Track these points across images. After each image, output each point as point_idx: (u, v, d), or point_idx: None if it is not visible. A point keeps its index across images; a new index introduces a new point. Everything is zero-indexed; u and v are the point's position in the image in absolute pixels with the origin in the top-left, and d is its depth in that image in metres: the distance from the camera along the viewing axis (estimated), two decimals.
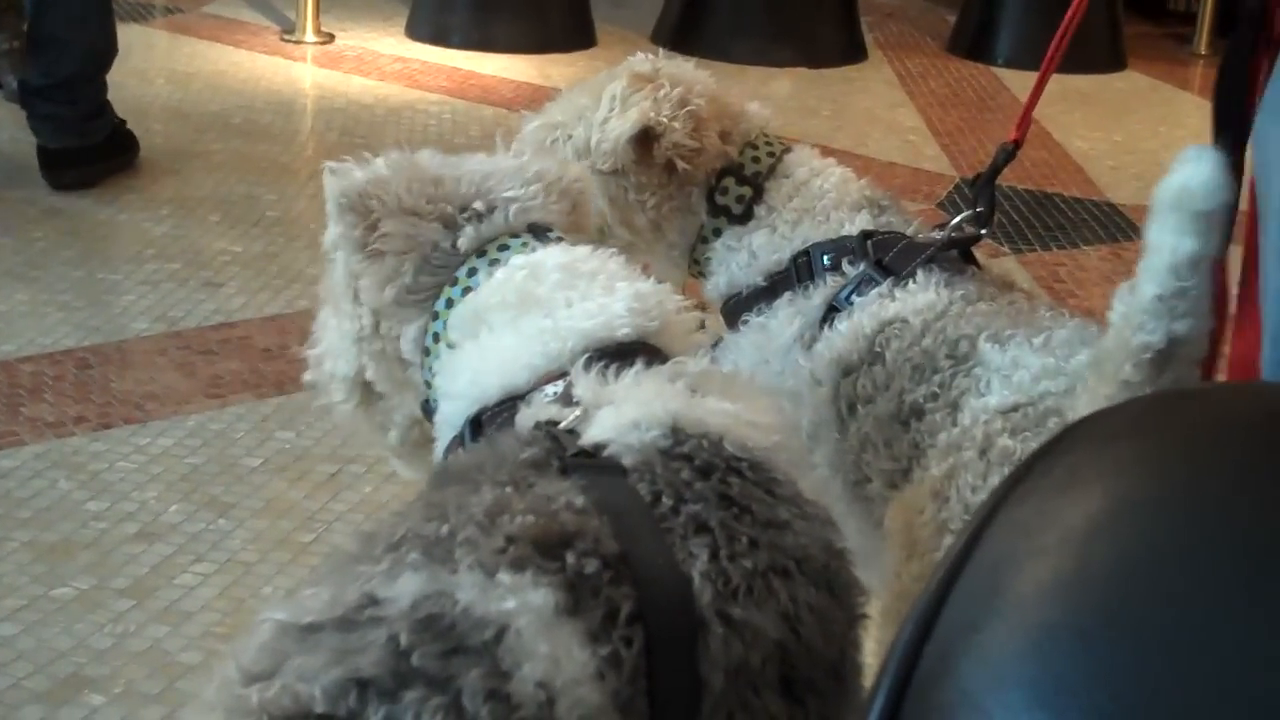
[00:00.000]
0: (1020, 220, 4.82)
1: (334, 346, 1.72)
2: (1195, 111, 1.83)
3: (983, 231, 2.05)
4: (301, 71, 6.21)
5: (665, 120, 2.08)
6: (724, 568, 1.21)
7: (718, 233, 2.15)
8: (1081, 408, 1.61)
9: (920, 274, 1.94)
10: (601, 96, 2.11)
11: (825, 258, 2.03)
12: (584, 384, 1.40)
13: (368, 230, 1.61)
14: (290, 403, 3.41)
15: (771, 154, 2.16)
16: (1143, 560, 0.62)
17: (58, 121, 4.49)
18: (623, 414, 1.34)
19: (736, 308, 2.12)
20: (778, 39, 6.78)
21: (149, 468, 3.11)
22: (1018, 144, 2.00)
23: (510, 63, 6.43)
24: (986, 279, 2.00)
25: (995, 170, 2.04)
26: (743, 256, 2.12)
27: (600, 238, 2.09)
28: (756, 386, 1.69)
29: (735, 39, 6.74)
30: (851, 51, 6.97)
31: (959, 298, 1.91)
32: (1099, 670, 0.59)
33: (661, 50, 2.26)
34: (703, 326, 1.63)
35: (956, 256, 2.02)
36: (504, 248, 1.60)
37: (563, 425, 1.34)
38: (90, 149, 4.58)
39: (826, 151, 2.32)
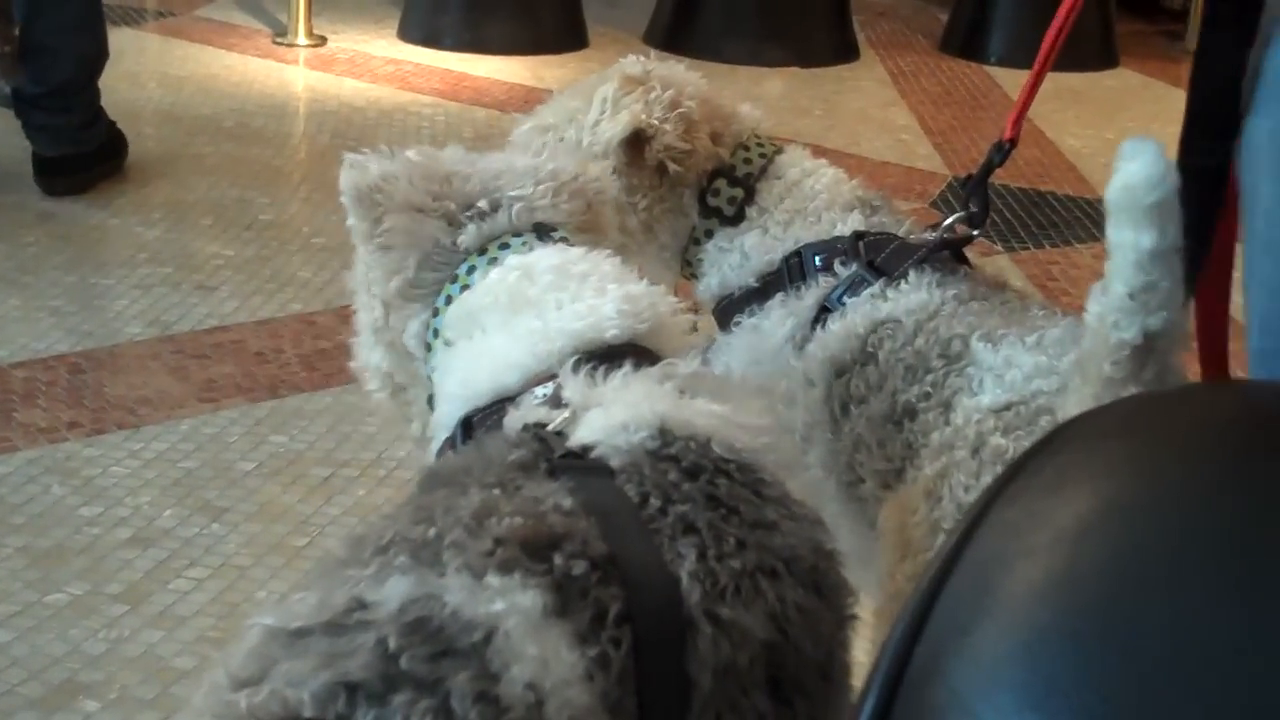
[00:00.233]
0: (1013, 219, 4.83)
1: (365, 336, 1.75)
2: None
3: (975, 232, 2.05)
4: (294, 74, 6.21)
5: (657, 123, 2.08)
6: (712, 568, 1.21)
7: (709, 234, 2.15)
8: (1070, 407, 1.61)
9: (912, 274, 1.94)
10: (592, 99, 2.11)
11: (817, 258, 2.03)
12: (572, 386, 1.40)
13: (374, 223, 1.63)
14: (283, 406, 3.41)
15: (763, 155, 2.16)
16: (1133, 561, 0.62)
17: (54, 131, 4.49)
18: (611, 416, 1.34)
19: (729, 309, 2.12)
20: (770, 39, 6.78)
21: (142, 472, 3.10)
22: (1013, 142, 2.00)
23: (502, 64, 6.43)
24: (979, 278, 2.00)
25: (988, 170, 2.04)
26: (735, 258, 2.12)
27: (622, 238, 2.10)
28: (748, 388, 1.69)
29: (727, 39, 6.74)
30: (844, 51, 6.97)
31: (951, 297, 1.90)
32: (1090, 671, 0.59)
33: (653, 52, 2.26)
34: (695, 329, 1.64)
35: (948, 256, 2.02)
36: (505, 247, 1.61)
37: (551, 427, 1.34)
38: (86, 155, 4.58)
39: (819, 151, 2.32)
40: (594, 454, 1.30)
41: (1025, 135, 2.04)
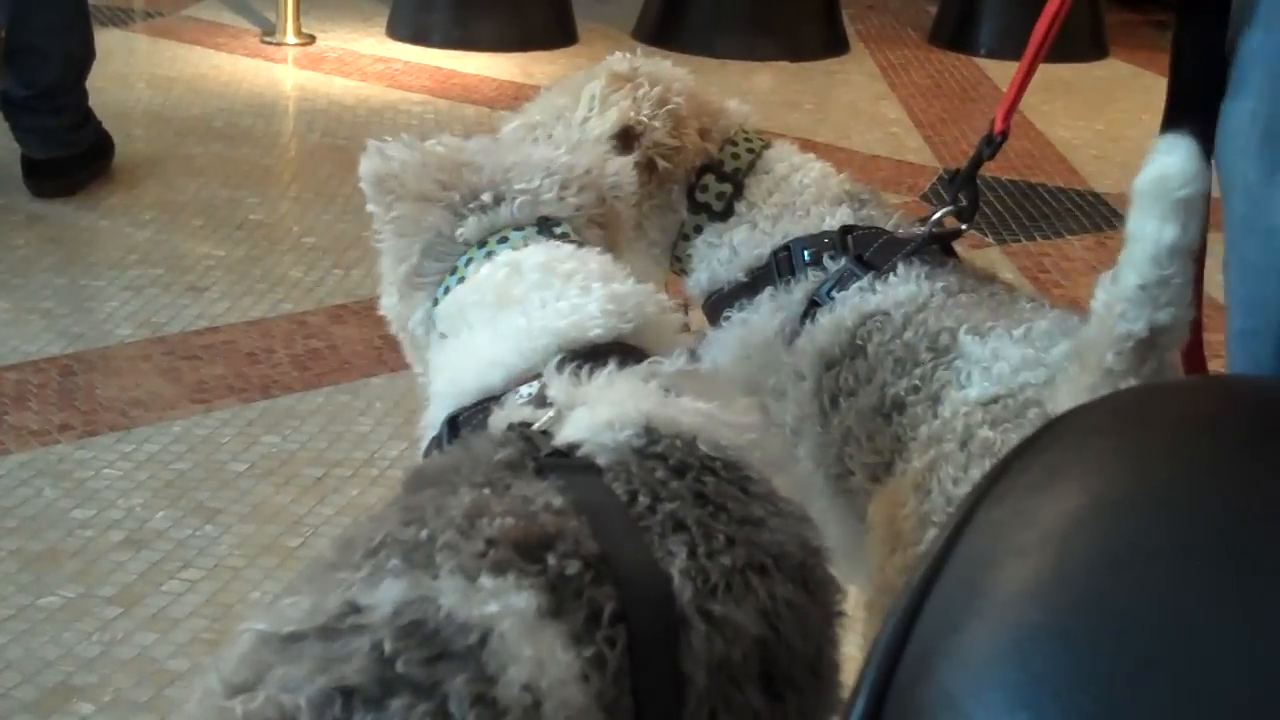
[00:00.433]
0: (1004, 211, 4.82)
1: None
2: None
3: (964, 226, 2.05)
4: (282, 73, 6.20)
5: (645, 119, 2.08)
6: (703, 565, 1.21)
7: (699, 230, 2.15)
8: (1063, 397, 1.61)
9: (901, 267, 1.94)
10: (580, 96, 2.11)
11: (806, 253, 2.03)
12: (557, 385, 1.39)
13: (386, 209, 1.65)
14: (275, 407, 3.40)
15: (751, 150, 2.16)
16: (1122, 559, 0.62)
17: (43, 133, 4.48)
18: (596, 414, 1.33)
19: (718, 304, 2.12)
20: (759, 33, 6.78)
21: (135, 474, 3.10)
22: (1004, 135, 2.00)
23: (492, 61, 6.42)
24: (967, 271, 2.00)
25: (977, 163, 2.04)
26: (724, 253, 2.12)
27: (637, 234, 2.11)
28: (734, 386, 1.69)
29: (717, 33, 6.74)
30: (833, 44, 6.97)
31: (940, 290, 1.90)
32: (1080, 670, 0.59)
33: (642, 47, 2.26)
34: (687, 328, 1.63)
35: (937, 249, 2.02)
36: (504, 241, 1.60)
37: (536, 426, 1.34)
38: (76, 157, 4.57)
39: (809, 145, 2.33)
40: (580, 452, 1.30)
41: (1015, 127, 2.04)
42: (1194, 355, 1.77)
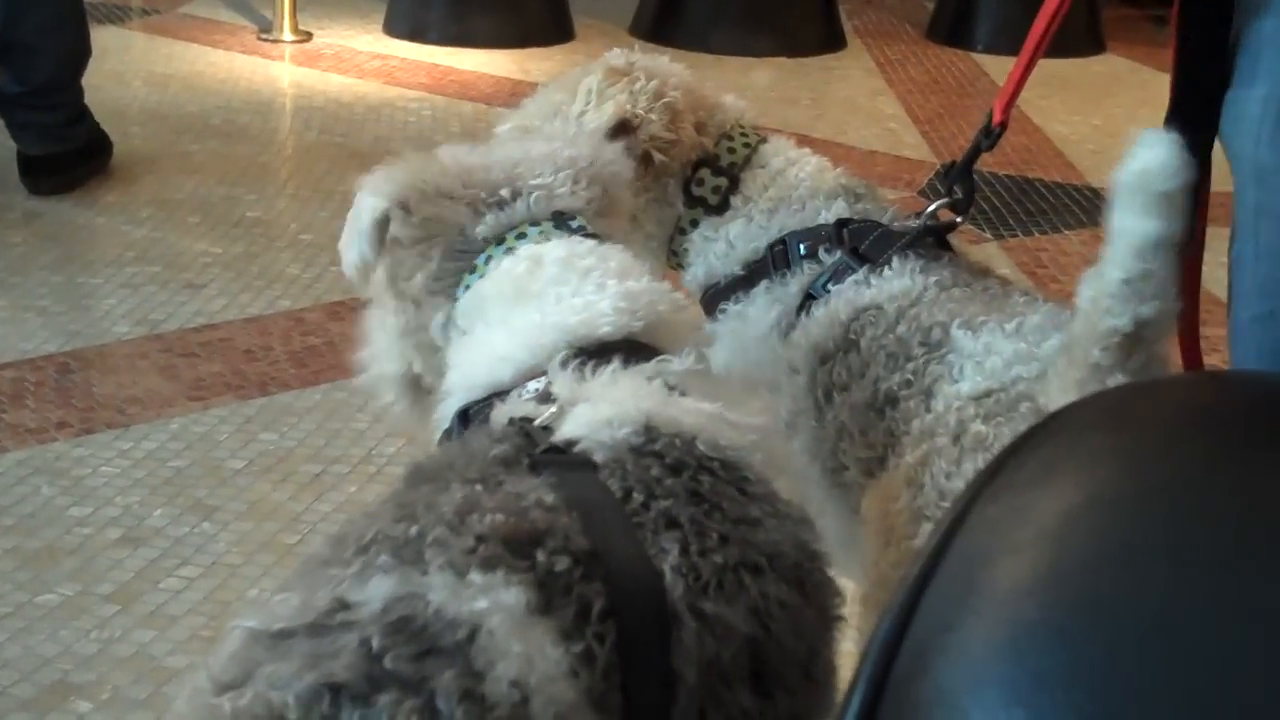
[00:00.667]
0: (1001, 206, 4.82)
1: (382, 346, 1.75)
2: None
3: (959, 220, 2.05)
4: (279, 70, 6.19)
5: (641, 113, 2.08)
6: (694, 563, 1.21)
7: (695, 224, 2.15)
8: (1053, 392, 1.61)
9: (896, 260, 1.94)
10: (577, 92, 2.11)
11: (801, 246, 2.04)
12: (561, 381, 1.39)
13: (405, 217, 1.64)
14: (273, 404, 3.40)
15: (747, 145, 2.17)
16: (1118, 555, 0.62)
17: (39, 129, 4.48)
18: (597, 411, 1.33)
19: (715, 298, 2.12)
20: (756, 29, 6.77)
21: (132, 472, 3.09)
22: (1002, 127, 2.00)
23: (488, 58, 6.42)
24: (962, 264, 2.00)
25: (973, 155, 2.03)
26: (720, 247, 2.12)
27: (633, 228, 2.11)
28: (746, 387, 1.69)
29: (714, 29, 6.73)
30: (830, 40, 6.97)
31: (934, 284, 1.91)
32: (1077, 667, 0.58)
33: (639, 43, 2.26)
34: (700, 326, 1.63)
35: (933, 243, 2.02)
36: (522, 236, 1.60)
37: (537, 422, 1.34)
38: (71, 154, 4.57)
39: (807, 141, 2.33)
40: (577, 449, 1.30)
41: (1013, 122, 2.03)
42: (1191, 349, 1.77)
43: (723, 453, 1.32)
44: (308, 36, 6.57)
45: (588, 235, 1.62)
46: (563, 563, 1.15)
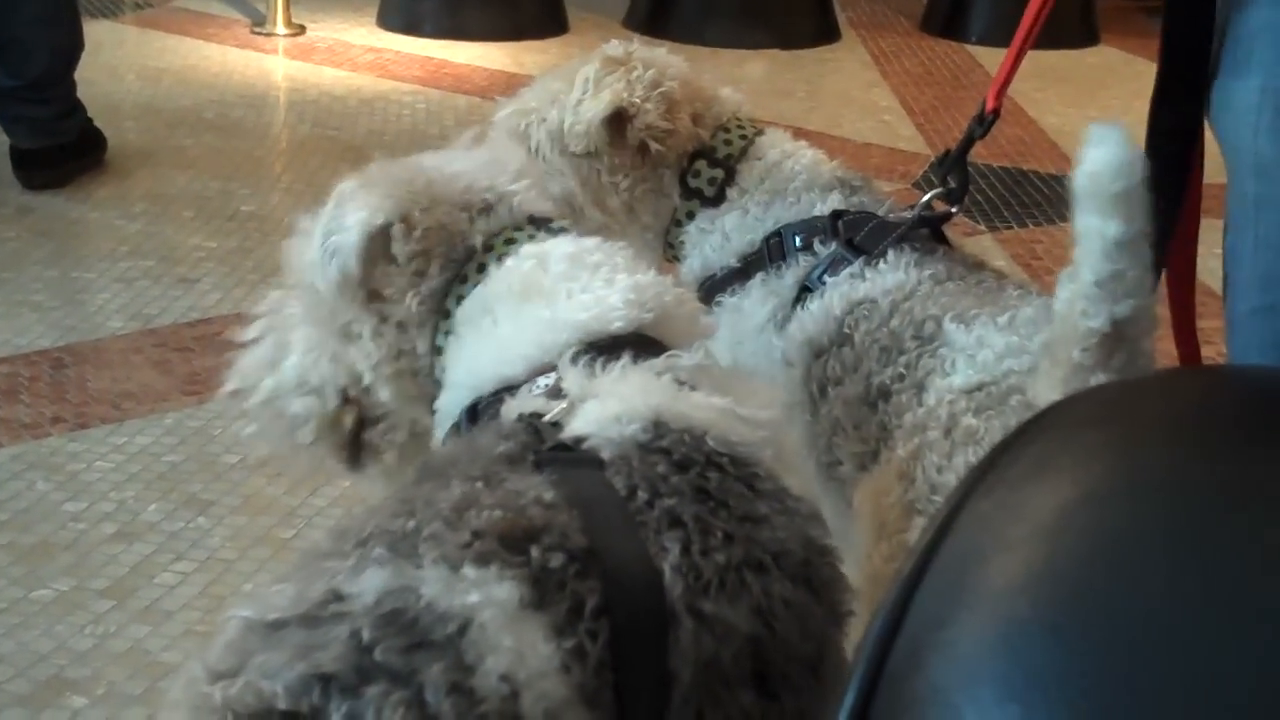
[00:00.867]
0: (996, 198, 4.82)
1: (306, 385, 1.66)
2: None
3: (954, 210, 2.05)
4: (273, 64, 6.18)
5: (638, 101, 2.09)
6: (696, 562, 1.20)
7: (691, 215, 2.15)
8: (1040, 389, 1.61)
9: (891, 253, 1.95)
10: (574, 80, 2.11)
11: (797, 238, 2.04)
12: (571, 377, 1.39)
13: (407, 231, 1.58)
14: None
15: (743, 137, 2.17)
16: (1112, 551, 0.62)
17: (31, 123, 4.47)
18: (606, 407, 1.33)
19: (711, 290, 2.12)
20: (751, 21, 6.77)
21: (127, 467, 3.09)
22: (995, 114, 2.00)
23: (483, 51, 6.41)
24: (957, 258, 2.00)
25: (967, 144, 2.03)
26: (716, 238, 2.13)
27: (604, 218, 2.11)
28: (755, 381, 1.68)
29: (708, 22, 6.73)
30: (825, 32, 6.96)
31: (928, 278, 1.91)
32: (1070, 664, 0.58)
33: (634, 36, 2.26)
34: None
35: (928, 235, 2.02)
36: (510, 241, 1.59)
37: (547, 418, 1.34)
38: (64, 148, 4.56)
39: (801, 133, 2.33)
40: (586, 445, 1.30)
41: (1006, 114, 2.04)
42: (1188, 342, 1.77)
43: (733, 448, 1.31)
44: (301, 30, 6.56)
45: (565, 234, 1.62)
46: (557, 559, 1.15)
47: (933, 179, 2.09)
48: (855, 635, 1.36)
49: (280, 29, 6.50)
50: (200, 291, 3.94)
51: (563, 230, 1.62)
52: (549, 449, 1.29)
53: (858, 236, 1.99)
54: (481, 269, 1.58)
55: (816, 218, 2.05)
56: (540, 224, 1.62)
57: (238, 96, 5.64)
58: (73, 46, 4.56)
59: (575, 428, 1.33)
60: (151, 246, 4.22)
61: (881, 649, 0.64)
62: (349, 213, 1.56)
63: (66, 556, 2.78)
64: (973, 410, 1.70)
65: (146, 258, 4.13)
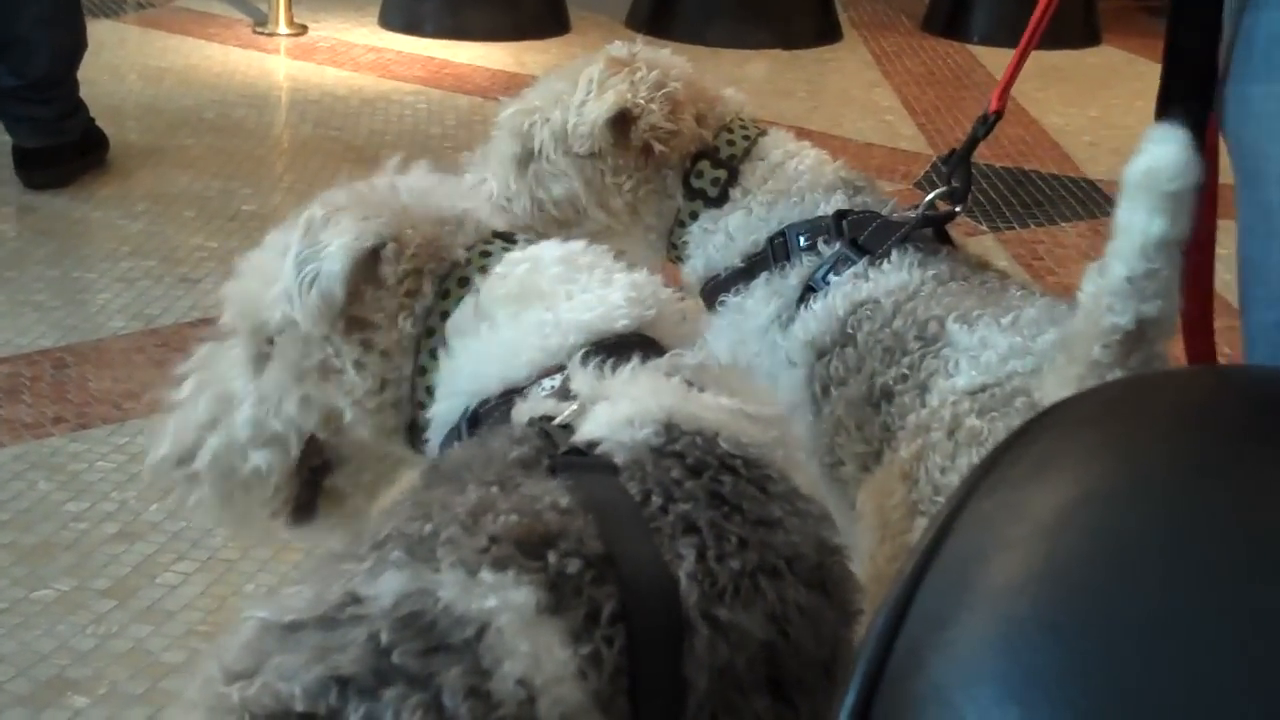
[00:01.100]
0: (998, 198, 4.82)
1: (264, 435, 1.60)
2: None
3: (957, 209, 2.05)
4: (275, 64, 6.18)
5: (642, 102, 2.08)
6: (711, 568, 1.20)
7: (694, 216, 2.15)
8: (1050, 388, 1.60)
9: (895, 254, 1.94)
10: (578, 81, 2.11)
11: (801, 238, 2.04)
12: (581, 378, 1.38)
13: (399, 251, 1.54)
14: None
15: (747, 137, 2.17)
16: (1112, 551, 0.62)
17: (34, 122, 4.47)
18: (617, 410, 1.32)
19: (715, 290, 2.12)
20: (752, 21, 6.77)
21: (128, 467, 3.09)
22: (998, 114, 2.00)
23: (484, 50, 6.41)
24: (960, 258, 2.00)
25: (972, 144, 2.03)
26: (719, 239, 2.12)
27: (608, 220, 2.11)
28: (751, 376, 1.68)
29: (710, 22, 6.73)
30: (826, 32, 6.96)
31: (931, 278, 1.91)
32: (1070, 664, 0.58)
33: (636, 36, 2.26)
34: (684, 317, 1.62)
35: (931, 236, 2.02)
36: (485, 254, 1.59)
37: (558, 420, 1.33)
38: (66, 147, 4.56)
39: (803, 133, 2.33)
40: (599, 450, 1.29)
41: (1008, 114, 2.03)
42: (1205, 342, 1.75)
43: (745, 450, 1.31)
44: (303, 30, 6.56)
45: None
46: (574, 565, 1.14)
47: (935, 179, 2.09)
48: (862, 634, 1.36)
49: (282, 29, 6.51)
50: (202, 291, 3.93)
51: (528, 242, 1.61)
52: (564, 454, 1.29)
53: (862, 236, 1.99)
54: (463, 282, 1.56)
55: (821, 217, 2.05)
56: (505, 237, 1.61)
57: (239, 96, 5.64)
58: (75, 46, 4.56)
59: (587, 431, 1.32)
60: (153, 246, 4.22)
61: (883, 648, 0.64)
62: (328, 238, 1.51)
63: (68, 556, 2.78)
64: (976, 411, 1.70)
65: (148, 257, 4.13)
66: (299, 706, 1.02)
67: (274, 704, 1.02)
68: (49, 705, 2.40)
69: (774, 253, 2.06)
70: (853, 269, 1.96)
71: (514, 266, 1.55)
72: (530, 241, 1.61)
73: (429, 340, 1.56)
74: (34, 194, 4.48)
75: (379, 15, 6.81)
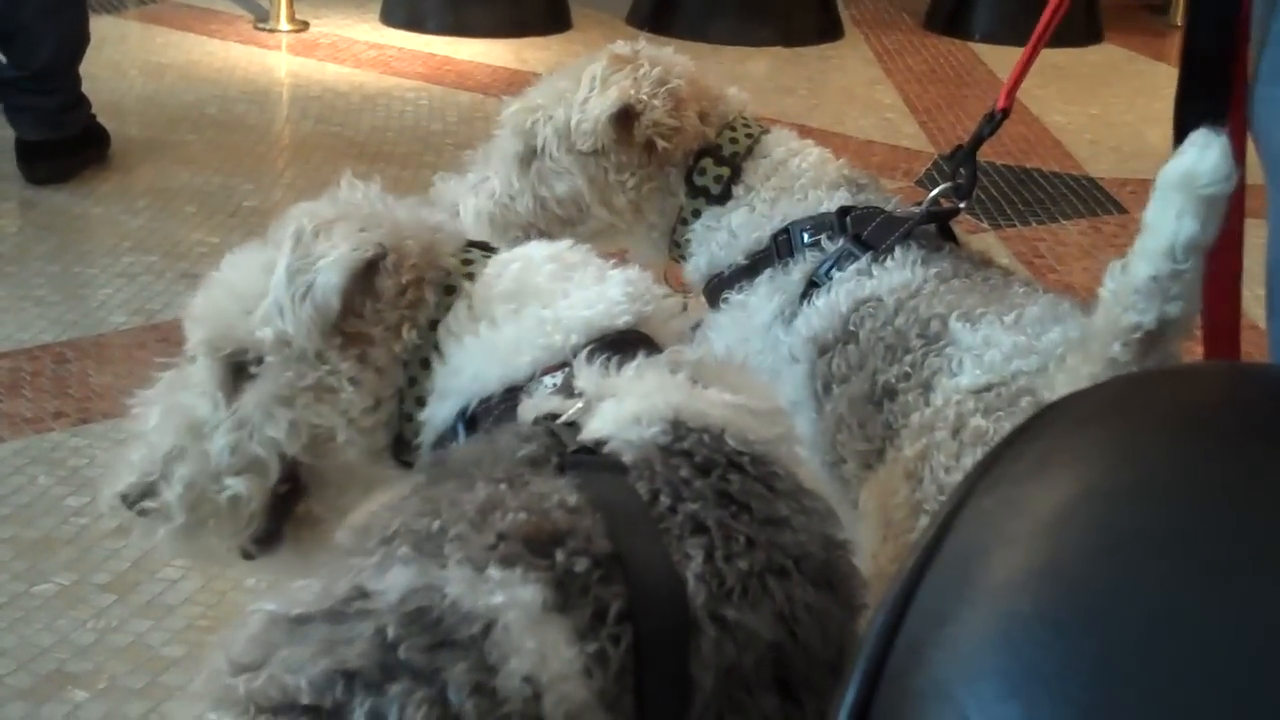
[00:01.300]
0: (999, 196, 4.82)
1: (242, 461, 1.55)
2: (1172, 83, 1.84)
3: (961, 205, 2.05)
4: (276, 60, 6.18)
5: (645, 98, 2.08)
6: (719, 569, 1.20)
7: (697, 214, 2.15)
8: (1062, 386, 1.60)
9: (898, 251, 1.94)
10: (581, 78, 2.11)
11: (805, 234, 2.04)
12: (586, 375, 1.38)
13: (400, 261, 1.52)
14: None
15: (749, 135, 2.17)
16: (1113, 548, 0.62)
17: (36, 113, 4.47)
18: (623, 408, 1.33)
19: (718, 287, 2.12)
20: (754, 18, 6.77)
21: None
22: (1005, 112, 2.00)
23: (486, 47, 6.41)
24: (963, 255, 2.00)
25: (978, 140, 2.03)
26: (722, 236, 2.12)
27: (611, 218, 2.11)
28: (748, 370, 1.67)
29: (711, 19, 6.73)
30: (828, 29, 6.96)
31: (934, 275, 1.90)
32: (1071, 660, 0.58)
33: (638, 33, 2.26)
34: (685, 308, 1.62)
35: (934, 233, 2.02)
36: (467, 261, 1.58)
37: (564, 418, 1.34)
38: (67, 141, 4.56)
39: (804, 131, 2.33)
40: (606, 449, 1.29)
41: (1010, 112, 2.04)
42: (1230, 340, 1.75)
43: (751, 447, 1.31)
44: (304, 26, 6.56)
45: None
46: (582, 564, 1.15)
47: (936, 177, 2.09)
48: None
49: (283, 25, 6.50)
50: None
51: (497, 249, 1.62)
52: (573, 452, 1.29)
53: (865, 231, 1.99)
54: (450, 290, 1.55)
55: (824, 214, 2.05)
56: (481, 246, 1.62)
57: (240, 92, 5.64)
58: (79, 38, 4.56)
59: (594, 428, 1.32)
60: (154, 242, 4.22)
61: (884, 644, 0.64)
62: (321, 249, 1.48)
63: (68, 551, 2.78)
64: (981, 411, 1.70)
65: (149, 253, 4.14)
66: (305, 699, 1.02)
67: (280, 696, 1.03)
68: (49, 699, 2.41)
69: (778, 249, 2.06)
70: (856, 265, 1.95)
71: (505, 266, 1.55)
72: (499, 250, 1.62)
73: (421, 350, 1.54)
74: (35, 189, 4.49)
75: (380, 11, 6.81)
